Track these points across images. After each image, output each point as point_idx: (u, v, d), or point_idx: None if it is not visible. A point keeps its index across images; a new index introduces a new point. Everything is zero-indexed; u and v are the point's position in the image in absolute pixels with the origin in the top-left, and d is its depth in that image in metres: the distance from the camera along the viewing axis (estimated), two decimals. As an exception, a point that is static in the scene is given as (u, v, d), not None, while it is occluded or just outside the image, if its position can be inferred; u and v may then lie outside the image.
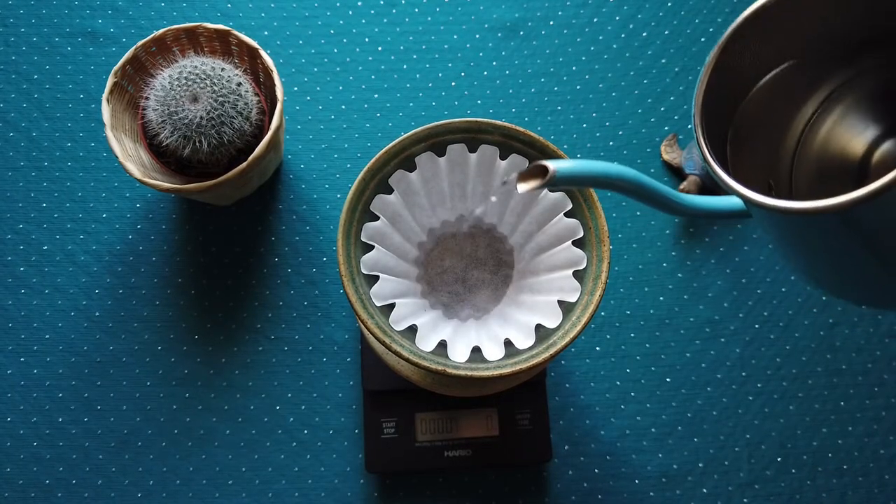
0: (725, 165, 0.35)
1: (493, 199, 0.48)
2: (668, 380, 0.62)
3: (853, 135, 0.39)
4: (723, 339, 0.63)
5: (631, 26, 0.69)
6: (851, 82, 0.38)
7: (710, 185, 0.64)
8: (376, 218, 0.47)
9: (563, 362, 0.62)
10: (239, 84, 0.56)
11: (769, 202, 0.30)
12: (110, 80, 0.56)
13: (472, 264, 0.51)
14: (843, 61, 0.37)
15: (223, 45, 0.60)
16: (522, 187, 0.35)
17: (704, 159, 0.34)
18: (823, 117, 0.39)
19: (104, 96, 0.56)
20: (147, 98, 0.56)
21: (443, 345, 0.45)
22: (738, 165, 0.36)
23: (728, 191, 0.32)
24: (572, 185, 0.35)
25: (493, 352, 0.44)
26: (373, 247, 0.47)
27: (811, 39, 0.36)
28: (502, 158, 0.48)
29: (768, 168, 0.39)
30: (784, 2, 0.34)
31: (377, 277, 0.46)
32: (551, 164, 0.34)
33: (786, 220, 0.32)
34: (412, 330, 0.45)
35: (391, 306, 0.46)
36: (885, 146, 0.38)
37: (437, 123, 0.47)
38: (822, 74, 0.38)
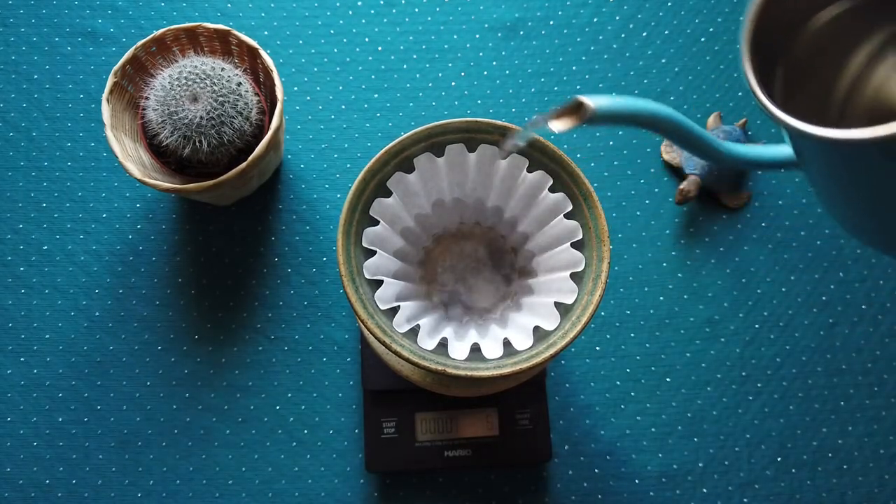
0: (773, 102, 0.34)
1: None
2: (668, 380, 0.62)
3: None
4: (723, 339, 0.63)
5: (631, 26, 0.69)
6: None
7: (710, 185, 0.64)
8: (376, 222, 0.47)
9: (563, 362, 0.62)
10: (239, 84, 0.56)
11: (820, 132, 0.29)
12: (110, 80, 0.56)
13: (472, 264, 0.51)
14: None
15: (223, 45, 0.60)
16: (557, 126, 0.33)
17: (752, 92, 0.32)
18: (877, 64, 0.37)
19: (104, 96, 0.56)
20: (147, 98, 0.56)
21: (443, 343, 0.45)
22: (787, 108, 0.35)
23: (774, 121, 0.31)
24: (610, 122, 0.33)
25: (493, 350, 0.44)
26: (374, 252, 0.47)
27: None
28: (502, 158, 0.48)
29: (817, 114, 0.38)
30: None
31: (380, 281, 0.46)
32: (589, 100, 0.32)
33: (832, 158, 0.31)
34: (413, 330, 0.45)
35: (394, 309, 0.46)
36: None
37: (436, 123, 0.47)
38: (878, 19, 0.37)
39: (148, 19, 0.68)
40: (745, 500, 0.60)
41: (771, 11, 0.34)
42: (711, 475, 0.60)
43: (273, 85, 0.57)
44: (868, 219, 0.36)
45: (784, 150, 0.39)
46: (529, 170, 0.47)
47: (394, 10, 0.69)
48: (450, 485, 0.60)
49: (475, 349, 0.45)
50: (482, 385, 0.51)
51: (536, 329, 0.45)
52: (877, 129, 0.28)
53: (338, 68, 0.68)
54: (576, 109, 0.33)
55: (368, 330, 0.43)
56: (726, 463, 0.61)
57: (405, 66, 0.68)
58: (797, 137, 0.31)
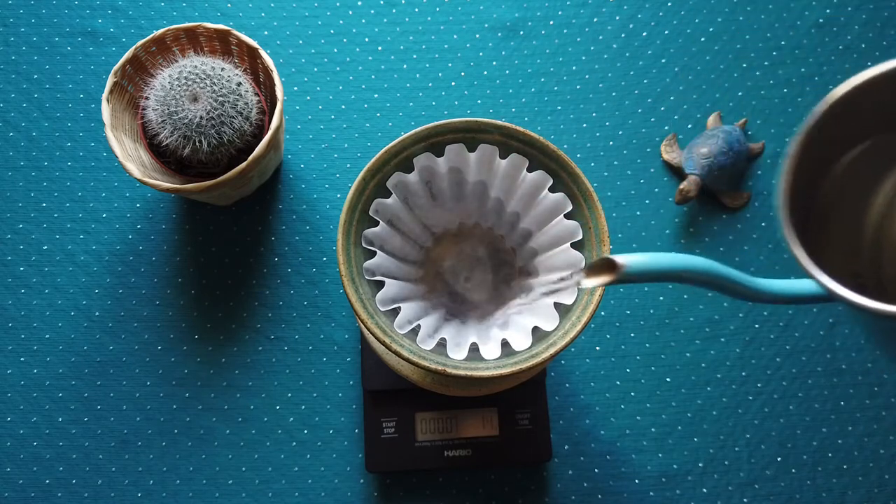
0: (807, 252, 0.34)
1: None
2: (668, 380, 0.62)
3: None
4: (723, 339, 0.63)
5: (631, 26, 0.69)
6: None
7: (710, 185, 0.64)
8: (376, 222, 0.47)
9: (563, 362, 0.62)
10: (239, 84, 0.56)
11: (867, 304, 0.29)
12: (110, 80, 0.56)
13: (472, 264, 0.51)
14: None
15: (223, 44, 0.60)
16: (589, 283, 0.34)
17: (793, 254, 0.32)
18: None
19: (104, 96, 0.56)
20: (147, 98, 0.56)
21: (442, 343, 0.45)
22: (819, 253, 0.35)
23: (824, 289, 0.31)
24: (643, 280, 0.34)
25: (491, 351, 0.44)
26: (374, 252, 0.47)
27: (886, 120, 0.35)
28: (502, 158, 0.48)
29: (852, 254, 0.38)
30: (861, 90, 0.33)
31: (381, 282, 0.46)
32: (620, 259, 0.33)
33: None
34: (413, 331, 0.45)
35: (395, 310, 0.46)
36: None
37: (437, 123, 0.47)
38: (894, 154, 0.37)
39: (148, 19, 0.68)
40: (745, 500, 0.60)
41: (800, 166, 0.34)
42: (711, 475, 0.60)
43: (273, 85, 0.57)
44: None
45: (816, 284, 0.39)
46: (529, 170, 0.47)
47: (394, 10, 0.69)
48: (450, 485, 0.60)
49: (474, 349, 0.45)
50: (482, 385, 0.51)
51: (536, 329, 0.45)
52: None
53: (338, 68, 0.68)
54: (608, 267, 0.34)
55: (368, 330, 0.43)
56: (726, 463, 0.61)
57: (405, 66, 0.68)
58: (846, 304, 0.31)
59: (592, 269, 0.35)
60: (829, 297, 0.35)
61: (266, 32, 0.68)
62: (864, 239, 0.38)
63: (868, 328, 0.35)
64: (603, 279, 0.34)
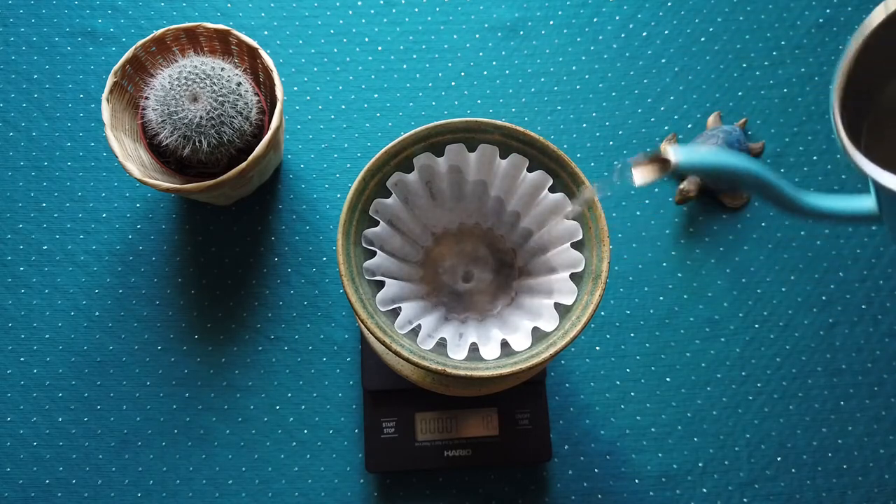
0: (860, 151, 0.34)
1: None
2: (668, 379, 0.62)
3: None
4: (723, 339, 0.63)
5: (631, 26, 0.69)
6: None
7: (710, 185, 0.64)
8: (376, 222, 0.47)
9: (563, 362, 0.62)
10: (239, 84, 0.56)
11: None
12: (110, 80, 0.56)
13: (472, 264, 0.51)
14: None
15: (223, 44, 0.60)
16: (640, 179, 0.34)
17: (839, 139, 0.32)
18: None
19: (104, 96, 0.56)
20: (147, 98, 0.56)
21: (442, 343, 0.45)
22: (875, 155, 0.35)
23: (860, 172, 0.31)
24: (693, 173, 0.34)
25: (491, 351, 0.44)
26: (374, 252, 0.47)
27: None
28: (502, 158, 0.48)
29: None
30: None
31: (381, 282, 0.46)
32: (672, 156, 0.33)
33: None
34: (414, 331, 0.45)
35: (395, 310, 0.46)
36: None
37: (437, 123, 0.47)
38: None
39: (148, 19, 0.68)
40: (745, 500, 0.60)
41: (859, 71, 0.34)
42: (711, 475, 0.60)
43: (273, 85, 0.57)
44: None
45: (866, 202, 0.38)
46: (529, 169, 0.47)
47: (394, 10, 0.69)
48: (450, 485, 0.60)
49: (474, 349, 0.45)
50: (482, 385, 0.51)
51: (536, 329, 0.45)
52: None
53: (338, 68, 0.68)
54: (658, 161, 0.34)
55: (368, 330, 0.43)
56: (726, 463, 0.61)
57: (405, 66, 0.68)
58: (882, 190, 0.31)
59: (641, 164, 0.34)
60: (878, 214, 0.35)
61: (266, 32, 0.68)
62: None
63: None
64: (653, 174, 0.34)
